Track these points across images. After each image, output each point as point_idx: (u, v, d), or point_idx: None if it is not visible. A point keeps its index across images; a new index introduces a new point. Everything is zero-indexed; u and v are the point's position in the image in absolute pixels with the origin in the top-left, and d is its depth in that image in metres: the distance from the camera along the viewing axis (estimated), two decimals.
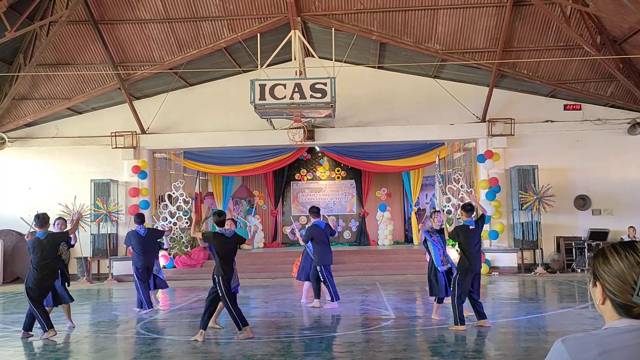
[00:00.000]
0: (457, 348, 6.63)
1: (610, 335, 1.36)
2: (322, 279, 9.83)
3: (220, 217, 7.43)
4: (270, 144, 16.81)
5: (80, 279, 15.41)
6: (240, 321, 7.17)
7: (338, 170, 21.90)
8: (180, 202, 16.80)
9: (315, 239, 9.82)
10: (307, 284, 10.22)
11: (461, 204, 9.39)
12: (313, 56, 13.32)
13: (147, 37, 14.60)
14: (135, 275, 9.83)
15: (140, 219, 10.15)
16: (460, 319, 7.46)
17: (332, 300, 9.78)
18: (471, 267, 7.60)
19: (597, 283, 1.44)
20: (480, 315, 7.68)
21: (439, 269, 8.32)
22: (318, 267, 9.77)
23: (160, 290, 10.86)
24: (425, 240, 8.54)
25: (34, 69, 14.54)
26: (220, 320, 8.29)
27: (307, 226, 10.25)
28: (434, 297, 8.53)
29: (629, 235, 14.69)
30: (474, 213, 7.95)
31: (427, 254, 8.85)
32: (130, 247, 10.42)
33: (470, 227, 7.80)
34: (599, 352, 1.33)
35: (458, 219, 8.13)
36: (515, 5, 13.14)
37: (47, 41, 13.77)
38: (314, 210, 10.17)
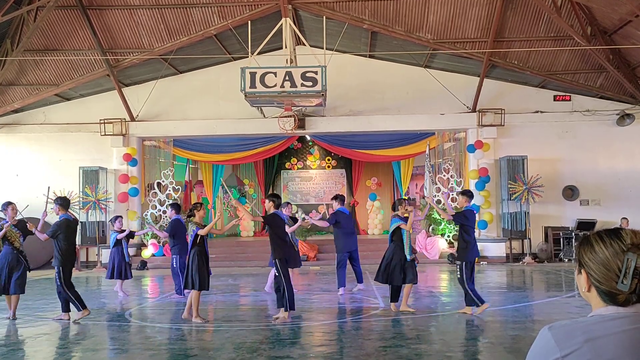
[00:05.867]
0: (445, 336, 6.68)
1: (597, 323, 1.36)
2: (344, 266, 10.07)
3: (278, 200, 7.74)
4: (261, 132, 16.76)
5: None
6: (289, 303, 7.37)
7: (328, 160, 21.89)
8: (169, 190, 16.74)
9: (342, 223, 10.09)
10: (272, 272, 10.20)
11: (458, 191, 9.33)
12: (304, 44, 13.25)
13: (137, 23, 14.45)
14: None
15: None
16: (479, 299, 7.67)
17: (358, 282, 10.28)
18: (476, 250, 7.89)
19: (582, 271, 1.44)
20: (471, 302, 7.77)
21: (408, 257, 7.97)
22: (341, 254, 10.02)
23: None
24: (397, 228, 8.05)
25: (22, 54, 14.35)
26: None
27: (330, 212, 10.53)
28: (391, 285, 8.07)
29: (621, 226, 14.83)
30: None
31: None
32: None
33: (475, 212, 8.01)
34: (585, 339, 1.33)
35: (447, 206, 8.12)
36: None
37: (35, 26, 13.58)
38: (341, 198, 10.53)
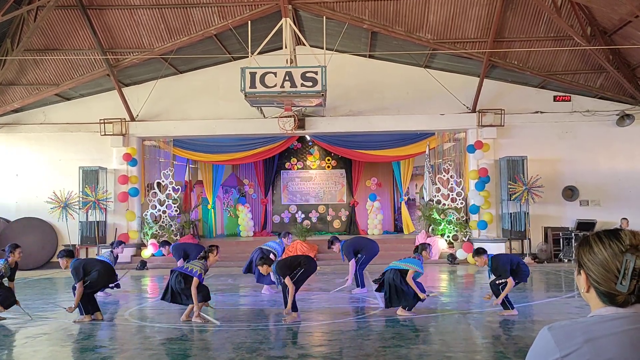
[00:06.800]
0: (444, 337, 6.68)
1: (596, 323, 1.36)
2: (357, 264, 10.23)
3: (269, 260, 8.08)
4: (261, 132, 16.76)
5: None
6: (287, 303, 7.57)
7: (328, 160, 21.89)
8: (169, 190, 16.75)
9: (358, 249, 10.24)
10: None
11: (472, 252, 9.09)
12: (304, 44, 13.25)
13: (137, 23, 14.45)
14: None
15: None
16: (511, 304, 7.83)
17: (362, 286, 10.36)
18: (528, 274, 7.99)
19: (582, 271, 1.45)
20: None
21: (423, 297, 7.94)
22: (361, 255, 10.12)
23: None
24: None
25: (22, 54, 14.35)
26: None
27: (340, 251, 10.48)
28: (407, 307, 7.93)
29: (621, 226, 14.83)
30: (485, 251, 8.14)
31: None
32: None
33: (494, 254, 8.06)
34: (584, 339, 1.33)
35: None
36: None
37: (35, 26, 13.58)
38: (336, 238, 10.71)
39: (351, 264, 10.21)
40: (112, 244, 10.91)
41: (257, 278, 10.22)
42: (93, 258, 8.62)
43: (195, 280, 7.45)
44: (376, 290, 8.46)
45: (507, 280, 7.69)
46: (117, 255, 10.53)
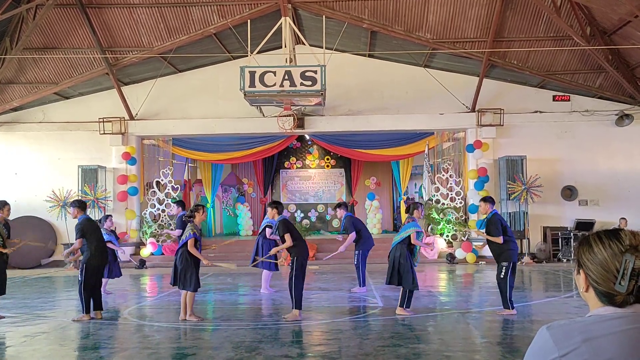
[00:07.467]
0: (443, 336, 6.68)
1: (595, 323, 1.36)
2: (355, 263, 10.20)
3: (281, 207, 8.00)
4: (260, 131, 16.75)
5: (67, 266, 15.34)
6: (296, 302, 7.53)
7: (327, 159, 21.89)
8: (168, 189, 16.74)
9: (359, 228, 10.18)
10: (265, 273, 10.14)
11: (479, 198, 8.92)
12: (304, 44, 13.25)
13: (136, 22, 14.44)
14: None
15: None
16: (511, 304, 7.75)
17: (360, 285, 10.24)
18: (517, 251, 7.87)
19: (581, 271, 1.45)
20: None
21: (416, 264, 7.97)
22: (357, 252, 10.08)
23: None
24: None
25: (21, 53, 14.33)
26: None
27: (342, 218, 10.39)
28: (406, 290, 7.85)
29: (619, 226, 14.86)
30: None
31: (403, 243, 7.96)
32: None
33: (496, 211, 7.95)
34: (583, 339, 1.34)
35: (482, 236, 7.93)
36: None
37: (34, 24, 13.57)
38: (344, 204, 10.66)
39: (350, 236, 10.09)
40: (99, 221, 10.69)
41: (262, 265, 10.07)
42: (98, 229, 8.37)
43: (190, 241, 7.47)
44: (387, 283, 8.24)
45: (497, 239, 7.63)
46: (111, 230, 10.48)
